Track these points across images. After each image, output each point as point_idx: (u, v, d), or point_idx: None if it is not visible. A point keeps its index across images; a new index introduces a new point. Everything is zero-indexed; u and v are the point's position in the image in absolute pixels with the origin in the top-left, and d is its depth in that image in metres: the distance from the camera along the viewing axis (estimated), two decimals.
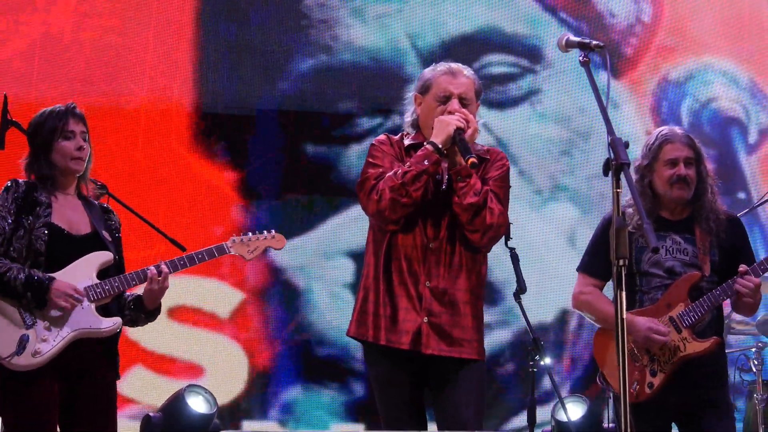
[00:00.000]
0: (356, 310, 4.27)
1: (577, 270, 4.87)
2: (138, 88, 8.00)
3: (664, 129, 4.73)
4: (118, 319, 4.37)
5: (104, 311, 4.37)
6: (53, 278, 4.22)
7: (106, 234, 4.46)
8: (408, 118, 4.36)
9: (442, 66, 4.31)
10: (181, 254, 4.54)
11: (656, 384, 4.52)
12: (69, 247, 4.33)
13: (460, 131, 4.09)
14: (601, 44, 3.58)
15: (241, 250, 4.64)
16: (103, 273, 4.38)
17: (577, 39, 3.62)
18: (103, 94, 7.83)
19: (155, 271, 4.39)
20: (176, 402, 7.07)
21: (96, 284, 4.33)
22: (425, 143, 4.14)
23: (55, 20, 7.91)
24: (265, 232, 4.68)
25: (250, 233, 4.68)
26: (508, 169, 4.31)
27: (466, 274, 4.18)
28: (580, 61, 3.55)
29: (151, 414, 7.02)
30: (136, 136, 7.96)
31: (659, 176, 4.63)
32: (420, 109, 4.31)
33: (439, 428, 4.18)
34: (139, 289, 4.52)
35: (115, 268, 4.44)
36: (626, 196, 4.41)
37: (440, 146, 4.08)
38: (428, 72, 4.32)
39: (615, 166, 3.29)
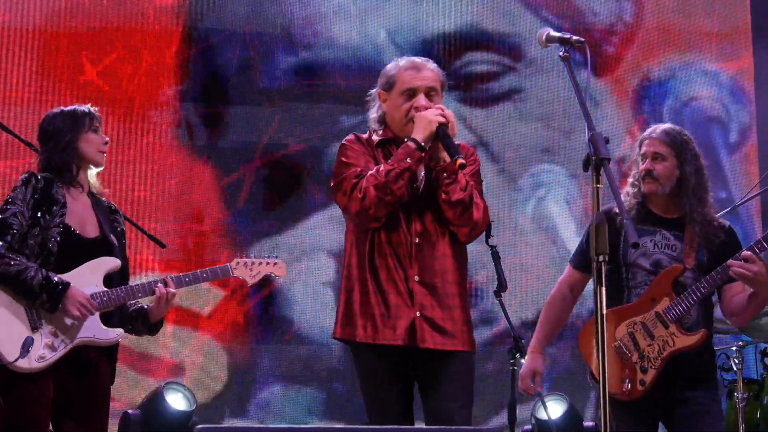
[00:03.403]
0: (341, 312, 4.25)
1: (569, 261, 4.93)
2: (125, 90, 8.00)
3: (653, 126, 4.75)
4: (120, 331, 4.39)
5: (105, 319, 4.37)
6: (69, 284, 4.22)
7: (113, 238, 4.46)
8: (373, 114, 4.35)
9: (405, 61, 4.30)
10: (184, 270, 4.60)
11: (648, 381, 4.51)
12: (79, 250, 4.33)
13: (443, 127, 4.08)
14: (582, 40, 3.57)
15: (244, 273, 4.67)
16: (108, 278, 4.38)
17: (558, 34, 3.61)
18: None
19: (164, 290, 4.42)
20: (155, 399, 7.05)
21: (102, 292, 4.33)
22: (406, 140, 4.12)
23: None
24: (268, 258, 4.73)
25: (253, 256, 4.71)
26: (479, 164, 4.34)
27: (453, 267, 4.19)
28: (560, 56, 3.55)
29: (129, 411, 6.99)
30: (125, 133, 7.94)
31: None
32: (386, 105, 4.29)
33: (426, 421, 4.18)
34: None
35: (119, 274, 4.43)
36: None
37: (422, 143, 4.07)
38: (391, 68, 4.30)
39: (595, 161, 3.28)
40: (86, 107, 4.50)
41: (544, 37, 3.64)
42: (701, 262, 4.59)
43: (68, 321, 4.24)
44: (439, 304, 4.14)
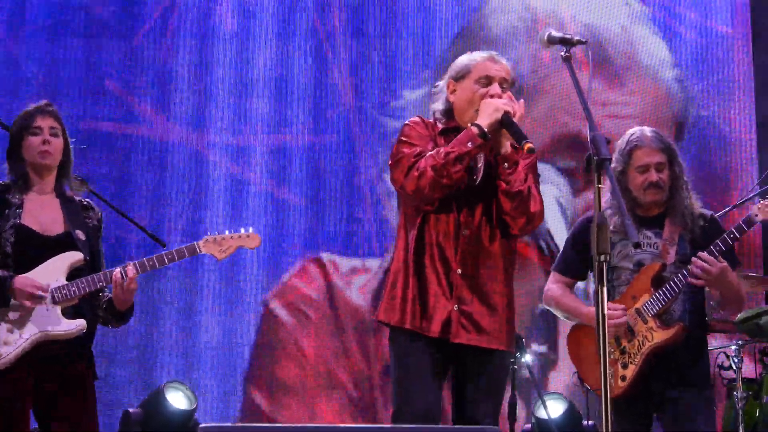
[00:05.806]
0: (386, 295, 4.22)
1: (551, 269, 4.90)
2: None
3: (635, 132, 4.68)
4: (81, 322, 4.31)
5: (76, 312, 4.34)
6: (13, 276, 4.21)
7: (80, 233, 4.41)
8: (440, 106, 4.28)
9: (480, 53, 4.27)
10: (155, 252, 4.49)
11: (628, 376, 4.52)
12: (39, 248, 4.31)
13: (508, 115, 4.03)
14: (584, 40, 3.58)
15: (213, 249, 4.46)
16: (76, 273, 4.35)
17: (559, 34, 3.61)
18: None
19: (119, 275, 4.32)
20: (156, 398, 7.04)
21: (62, 285, 4.29)
22: (470, 125, 4.07)
23: None
24: (241, 230, 4.53)
25: (226, 231, 4.52)
26: (536, 157, 4.28)
27: (499, 263, 4.15)
28: (561, 56, 3.55)
29: (130, 410, 6.99)
30: None
31: (633, 182, 4.62)
32: (455, 95, 4.23)
33: (453, 416, 4.18)
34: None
35: (88, 268, 4.40)
36: (605, 196, 4.46)
37: (486, 130, 4.02)
38: (465, 59, 4.25)
39: (597, 161, 3.30)
40: (33, 105, 4.44)
41: (545, 38, 3.64)
42: (684, 254, 4.57)
43: (18, 314, 4.22)
44: (479, 299, 4.09)
